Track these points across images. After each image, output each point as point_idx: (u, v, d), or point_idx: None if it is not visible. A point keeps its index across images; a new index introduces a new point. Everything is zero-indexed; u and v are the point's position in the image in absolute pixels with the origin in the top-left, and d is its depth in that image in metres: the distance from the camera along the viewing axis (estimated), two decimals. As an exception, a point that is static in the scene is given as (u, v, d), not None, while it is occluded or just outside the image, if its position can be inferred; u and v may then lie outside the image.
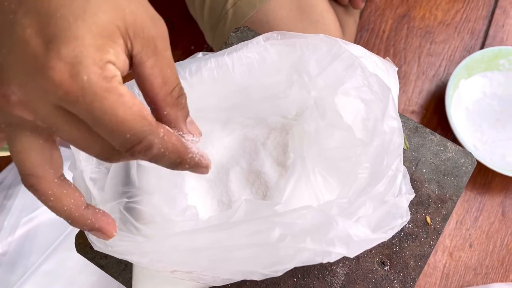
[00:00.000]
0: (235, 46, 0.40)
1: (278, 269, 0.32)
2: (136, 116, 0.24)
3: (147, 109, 0.25)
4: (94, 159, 0.38)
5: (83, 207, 0.29)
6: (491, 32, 0.93)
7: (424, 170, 0.47)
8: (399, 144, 0.36)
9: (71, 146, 0.29)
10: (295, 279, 0.43)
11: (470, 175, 0.47)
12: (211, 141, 0.44)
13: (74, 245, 0.45)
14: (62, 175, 0.28)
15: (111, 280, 0.44)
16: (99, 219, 0.29)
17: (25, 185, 0.27)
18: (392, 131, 0.36)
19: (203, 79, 0.40)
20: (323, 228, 0.32)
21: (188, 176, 0.42)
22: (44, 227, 0.69)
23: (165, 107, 0.27)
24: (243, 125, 0.45)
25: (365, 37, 0.93)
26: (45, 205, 0.28)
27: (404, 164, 0.39)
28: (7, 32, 0.24)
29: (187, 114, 0.28)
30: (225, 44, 0.52)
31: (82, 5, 0.24)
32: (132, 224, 0.35)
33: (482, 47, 0.92)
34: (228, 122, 0.45)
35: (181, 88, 0.28)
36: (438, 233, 0.45)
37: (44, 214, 0.70)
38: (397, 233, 0.45)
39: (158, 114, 0.27)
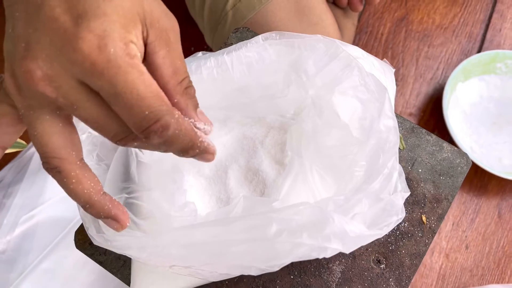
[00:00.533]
0: (234, 45, 0.41)
1: (275, 264, 0.33)
2: (155, 95, 0.25)
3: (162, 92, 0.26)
4: (95, 155, 0.39)
5: (102, 193, 0.29)
6: (488, 36, 0.93)
7: (420, 170, 0.48)
8: (394, 142, 0.36)
9: None
10: (291, 277, 0.43)
11: (466, 175, 0.48)
12: (210, 139, 0.44)
13: (72, 243, 0.45)
14: (83, 158, 0.29)
15: (110, 278, 0.44)
16: (115, 207, 0.30)
17: (47, 168, 0.27)
18: (388, 130, 0.36)
19: (203, 78, 0.40)
20: (320, 224, 0.32)
21: (186, 173, 0.42)
22: (43, 225, 0.69)
23: (175, 95, 0.28)
24: (241, 123, 0.45)
25: (363, 39, 0.94)
26: (65, 188, 0.28)
27: (400, 164, 0.39)
28: (35, 13, 0.25)
29: (196, 104, 0.29)
30: (225, 44, 0.53)
31: None
32: (131, 219, 0.36)
33: (479, 51, 0.92)
34: (227, 120, 0.45)
35: (190, 81, 0.29)
36: (433, 232, 0.45)
37: (43, 212, 0.70)
38: (392, 231, 0.45)
39: None
